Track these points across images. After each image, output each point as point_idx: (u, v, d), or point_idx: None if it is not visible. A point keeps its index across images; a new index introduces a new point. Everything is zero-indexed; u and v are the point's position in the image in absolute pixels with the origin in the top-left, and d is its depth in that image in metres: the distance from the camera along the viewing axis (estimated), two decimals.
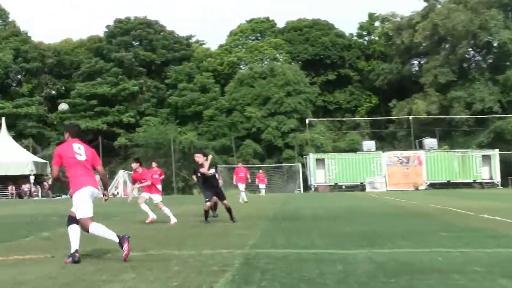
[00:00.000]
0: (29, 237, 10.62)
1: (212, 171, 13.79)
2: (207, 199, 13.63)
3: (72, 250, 7.30)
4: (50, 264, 7.24)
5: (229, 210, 14.05)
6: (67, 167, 7.69)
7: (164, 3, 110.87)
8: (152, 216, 14.31)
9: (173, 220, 13.87)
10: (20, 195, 47.38)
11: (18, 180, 47.65)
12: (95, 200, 7.68)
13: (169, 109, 62.10)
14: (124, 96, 61.10)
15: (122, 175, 48.72)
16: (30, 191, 47.39)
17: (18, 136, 54.63)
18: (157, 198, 14.66)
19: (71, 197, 7.64)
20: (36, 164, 47.85)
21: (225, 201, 14.00)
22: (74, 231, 7.49)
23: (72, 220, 7.54)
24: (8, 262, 7.54)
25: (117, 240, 7.29)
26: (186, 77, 62.77)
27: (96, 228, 7.43)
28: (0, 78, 59.59)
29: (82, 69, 62.85)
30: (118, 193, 48.16)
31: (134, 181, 15.03)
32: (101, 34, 67.26)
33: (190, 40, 70.54)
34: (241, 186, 28.34)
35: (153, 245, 9.21)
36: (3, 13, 67.11)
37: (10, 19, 67.86)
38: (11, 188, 48.28)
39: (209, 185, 13.86)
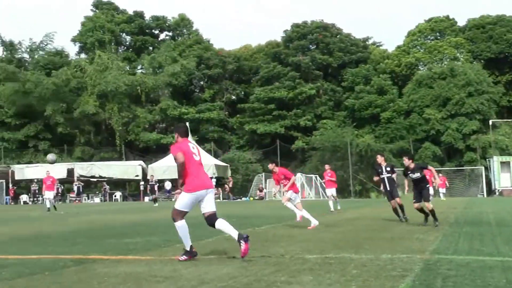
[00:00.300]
0: (212, 238, 10.96)
1: (418, 174, 13.67)
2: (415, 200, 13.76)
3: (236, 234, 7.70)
4: (231, 264, 7.44)
5: (401, 207, 14.95)
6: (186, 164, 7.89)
7: (340, 6, 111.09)
8: (299, 214, 14.09)
9: (298, 216, 13.98)
10: None
11: None
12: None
13: (346, 112, 61.91)
14: (301, 99, 61.94)
15: (299, 177, 49.46)
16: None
17: (201, 140, 57.70)
18: (294, 197, 14.40)
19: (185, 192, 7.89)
20: (217, 167, 50.21)
21: (397, 199, 14.95)
22: (222, 224, 7.87)
23: (212, 217, 7.89)
24: (193, 261, 7.83)
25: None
26: (363, 79, 62.18)
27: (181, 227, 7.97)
28: (184, 85, 63.40)
29: (261, 74, 64.62)
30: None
31: (276, 182, 15.00)
32: (279, 39, 68.87)
33: (367, 42, 69.82)
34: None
35: (331, 248, 9.16)
36: (187, 22, 71.46)
37: (193, 28, 72.04)
38: None
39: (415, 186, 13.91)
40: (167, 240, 10.99)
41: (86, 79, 60.67)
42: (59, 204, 44.87)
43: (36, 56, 69.15)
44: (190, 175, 7.87)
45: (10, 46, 68.54)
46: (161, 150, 59.20)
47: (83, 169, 52.86)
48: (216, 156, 55.66)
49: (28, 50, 69.89)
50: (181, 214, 7.94)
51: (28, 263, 8.00)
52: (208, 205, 7.94)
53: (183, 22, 71.01)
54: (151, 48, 70.07)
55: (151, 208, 30.12)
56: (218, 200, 47.34)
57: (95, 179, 53.83)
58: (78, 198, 50.99)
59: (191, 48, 66.51)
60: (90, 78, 59.89)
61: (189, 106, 62.18)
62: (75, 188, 51.56)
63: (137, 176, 52.59)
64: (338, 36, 66.75)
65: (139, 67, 69.21)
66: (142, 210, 27.04)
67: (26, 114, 60.81)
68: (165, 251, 9.24)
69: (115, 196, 54.02)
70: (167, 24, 71.47)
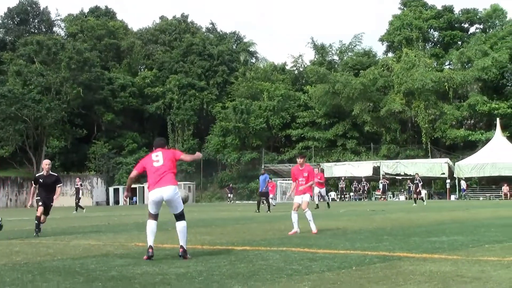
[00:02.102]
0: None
1: None
2: None
3: None
4: None
5: None
6: None
7: None
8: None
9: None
10: None
11: None
12: None
13: None
14: None
15: None
16: None
17: None
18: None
19: None
20: None
21: None
22: None
23: None
24: (503, 263, 7.40)
25: None
26: None
27: None
28: (495, 79, 59.65)
29: None
30: None
31: (294, 179, 13.36)
32: None
33: None
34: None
35: None
36: (500, 13, 67.11)
37: (507, 19, 67.38)
38: (506, 189, 47.88)
39: None
40: (475, 240, 10.56)
41: (393, 77, 61.18)
42: (363, 202, 46.12)
43: (345, 58, 72.21)
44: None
45: (321, 49, 72.77)
46: (468, 147, 56.86)
47: (388, 167, 53.47)
48: None
49: (338, 52, 73.37)
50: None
51: (336, 257, 8.26)
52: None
53: (495, 13, 66.95)
54: (459, 42, 67.66)
55: (459, 207, 28.92)
56: None
57: (400, 177, 54.00)
58: (383, 196, 51.74)
59: (504, 40, 62.26)
60: (397, 77, 60.21)
61: (500, 101, 58.33)
62: (380, 186, 52.43)
63: (443, 174, 51.33)
64: None
65: (446, 63, 67.42)
66: (448, 209, 26.17)
67: (335, 114, 63.87)
68: (473, 251, 8.82)
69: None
70: (477, 17, 68.21)
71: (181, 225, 8.81)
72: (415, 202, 34.59)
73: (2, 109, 61.18)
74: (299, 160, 13.44)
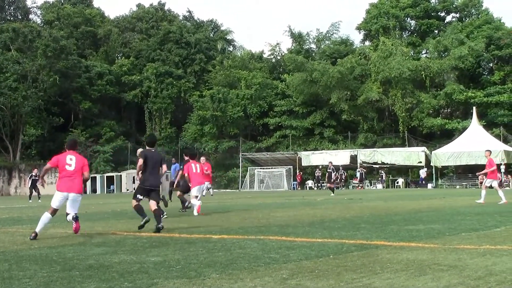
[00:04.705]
0: (499, 228, 10.47)
1: None
2: None
3: None
4: None
5: None
6: None
7: None
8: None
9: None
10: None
11: None
12: None
13: None
14: None
15: None
16: (500, 181, 46.58)
17: (488, 125, 54.39)
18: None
19: None
20: (507, 153, 46.95)
21: None
22: None
23: None
24: (479, 251, 7.49)
25: None
26: None
27: None
28: (471, 68, 60.18)
29: None
30: None
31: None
32: None
33: None
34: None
35: None
36: (476, 2, 67.48)
37: (483, 8, 67.86)
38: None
39: None
40: (451, 228, 10.69)
41: (370, 66, 61.42)
42: (341, 190, 46.40)
43: (322, 46, 72.27)
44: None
45: (298, 38, 72.72)
46: (445, 136, 57.40)
47: (365, 155, 53.81)
48: (505, 141, 51.93)
49: (315, 40, 73.40)
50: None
51: (314, 246, 8.29)
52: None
53: (471, 2, 67.37)
54: (436, 31, 68.03)
55: (434, 195, 29.23)
56: (508, 188, 43.98)
57: (377, 166, 54.41)
58: (360, 184, 52.10)
59: (480, 29, 62.78)
60: (374, 65, 60.45)
61: (476, 89, 58.91)
62: (357, 175, 52.77)
63: (420, 162, 51.80)
64: None
65: (423, 52, 67.80)
66: (425, 197, 26.46)
67: (313, 102, 63.97)
68: (450, 239, 8.93)
69: (397, 182, 54.02)
70: (454, 6, 68.59)
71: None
72: (333, 192, 33.18)
73: None
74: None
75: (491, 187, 20.64)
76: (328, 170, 35.76)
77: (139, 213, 11.46)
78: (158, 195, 11.98)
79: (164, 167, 11.89)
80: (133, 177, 60.59)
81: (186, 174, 16.24)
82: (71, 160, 10.51)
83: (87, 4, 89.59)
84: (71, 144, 11.10)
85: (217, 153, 64.97)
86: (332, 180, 35.15)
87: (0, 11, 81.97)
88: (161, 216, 11.89)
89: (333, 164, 37.94)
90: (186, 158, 17.07)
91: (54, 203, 10.47)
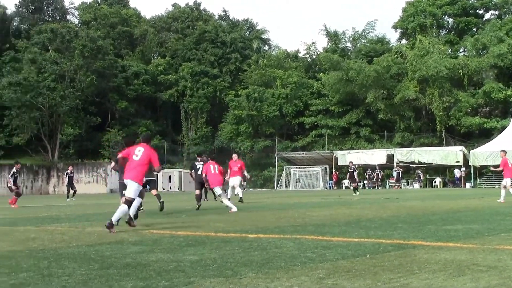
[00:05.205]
0: None
1: None
2: None
3: None
4: None
5: None
6: None
7: None
8: None
9: None
10: None
11: None
12: None
13: None
14: None
15: None
16: None
17: None
18: None
19: None
20: None
21: None
22: None
23: None
24: None
25: None
26: None
27: None
28: (511, 66, 59.00)
29: None
30: None
31: None
32: None
33: None
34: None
35: None
36: None
37: None
38: None
39: None
40: (491, 228, 10.48)
41: (407, 64, 60.77)
42: (377, 190, 46.10)
43: (358, 45, 71.78)
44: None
45: (334, 37, 72.38)
46: (483, 135, 56.44)
47: (402, 155, 53.25)
48: None
49: (351, 39, 72.95)
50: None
51: (350, 245, 8.23)
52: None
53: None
54: (474, 29, 67.01)
55: (472, 195, 28.75)
56: None
57: (414, 165, 53.79)
58: (397, 184, 51.57)
59: None
60: (411, 64, 59.79)
61: None
62: (394, 174, 52.25)
63: (457, 162, 51.05)
64: None
65: (461, 50, 66.76)
66: (462, 197, 26.04)
67: (349, 101, 63.61)
68: (489, 240, 8.75)
69: (434, 182, 53.32)
70: (493, 3, 67.40)
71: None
72: (355, 192, 33.00)
73: (17, 97, 61.63)
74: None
75: None
76: (349, 170, 35.52)
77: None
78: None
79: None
80: (169, 176, 61.25)
81: (204, 175, 17.12)
82: (139, 151, 11.26)
83: (123, 4, 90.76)
84: (145, 138, 12.10)
85: (253, 153, 65.06)
86: (354, 180, 34.85)
87: (39, 12, 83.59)
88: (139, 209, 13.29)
89: (353, 163, 37.80)
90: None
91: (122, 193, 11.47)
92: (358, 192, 32.87)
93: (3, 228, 12.82)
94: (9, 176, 25.96)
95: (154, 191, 17.42)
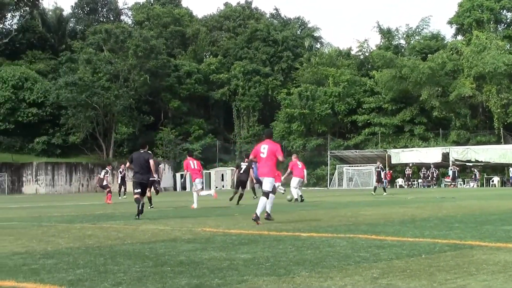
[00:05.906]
0: None
1: None
2: None
3: None
4: None
5: None
6: None
7: None
8: None
9: None
10: None
11: None
12: None
13: None
14: None
15: None
16: None
17: None
18: None
19: None
20: None
21: None
22: None
23: None
24: None
25: None
26: None
27: None
28: None
29: None
30: None
31: None
32: None
33: None
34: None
35: None
36: None
37: None
38: None
39: None
40: None
41: (463, 61, 59.41)
42: (432, 189, 45.25)
43: (412, 42, 70.57)
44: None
45: (387, 34, 71.38)
46: None
47: (458, 153, 52.08)
48: None
49: (404, 36, 71.80)
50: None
51: (405, 245, 8.10)
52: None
53: None
54: None
55: None
56: None
57: (471, 164, 52.54)
58: (453, 183, 50.49)
59: None
60: (467, 60, 58.41)
61: None
62: (450, 173, 51.18)
63: None
64: None
65: None
66: None
67: (402, 99, 62.64)
68: None
69: (492, 181, 51.96)
70: None
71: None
72: (384, 191, 33.09)
73: (73, 96, 63.15)
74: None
75: None
76: (376, 170, 35.06)
77: (137, 202, 14.24)
78: (146, 187, 15.47)
79: (152, 164, 14.60)
80: (222, 174, 61.67)
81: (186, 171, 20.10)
82: (264, 149, 12.31)
83: (175, 4, 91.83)
84: (268, 134, 13.18)
85: (305, 151, 64.78)
86: (380, 179, 34.35)
87: (94, 13, 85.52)
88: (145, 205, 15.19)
89: (380, 164, 36.99)
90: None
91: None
92: (385, 193, 32.37)
93: (61, 225, 13.18)
94: (105, 175, 27.75)
95: (148, 193, 18.40)
